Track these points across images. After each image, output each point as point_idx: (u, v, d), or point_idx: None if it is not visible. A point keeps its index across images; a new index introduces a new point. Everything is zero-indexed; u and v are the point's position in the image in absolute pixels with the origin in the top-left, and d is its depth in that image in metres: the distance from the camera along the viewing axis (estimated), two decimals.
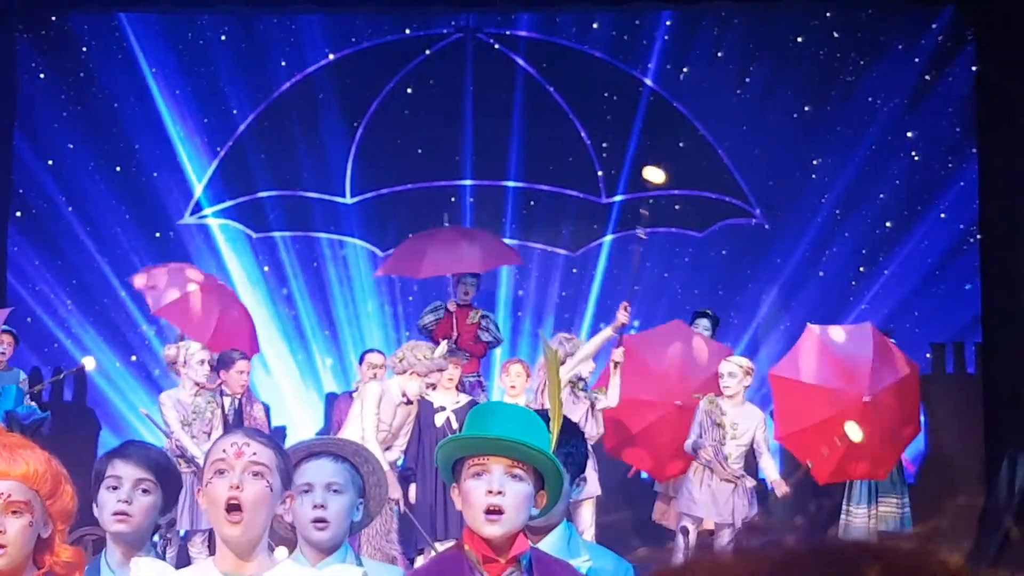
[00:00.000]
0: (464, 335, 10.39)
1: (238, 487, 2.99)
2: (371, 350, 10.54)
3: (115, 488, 3.65)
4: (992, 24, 11.03)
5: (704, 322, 10.12)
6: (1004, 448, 10.30)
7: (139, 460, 3.67)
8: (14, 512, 3.05)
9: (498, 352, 11.30)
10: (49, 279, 12.33)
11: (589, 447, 5.02)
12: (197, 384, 9.21)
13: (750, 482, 9.04)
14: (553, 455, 3.05)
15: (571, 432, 3.51)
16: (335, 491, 3.50)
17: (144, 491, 3.66)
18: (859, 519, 9.44)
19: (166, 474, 3.74)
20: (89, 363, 10.33)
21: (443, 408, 8.89)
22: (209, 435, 9.11)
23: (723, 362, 9.26)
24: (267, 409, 9.69)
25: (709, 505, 8.92)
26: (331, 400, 11.65)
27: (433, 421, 8.83)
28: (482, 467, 3.01)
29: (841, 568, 0.96)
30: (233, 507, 2.99)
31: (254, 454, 3.03)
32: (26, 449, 3.15)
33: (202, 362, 9.22)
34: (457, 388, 9.15)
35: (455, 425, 8.70)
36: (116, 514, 3.63)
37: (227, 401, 9.35)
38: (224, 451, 3.04)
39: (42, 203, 12.33)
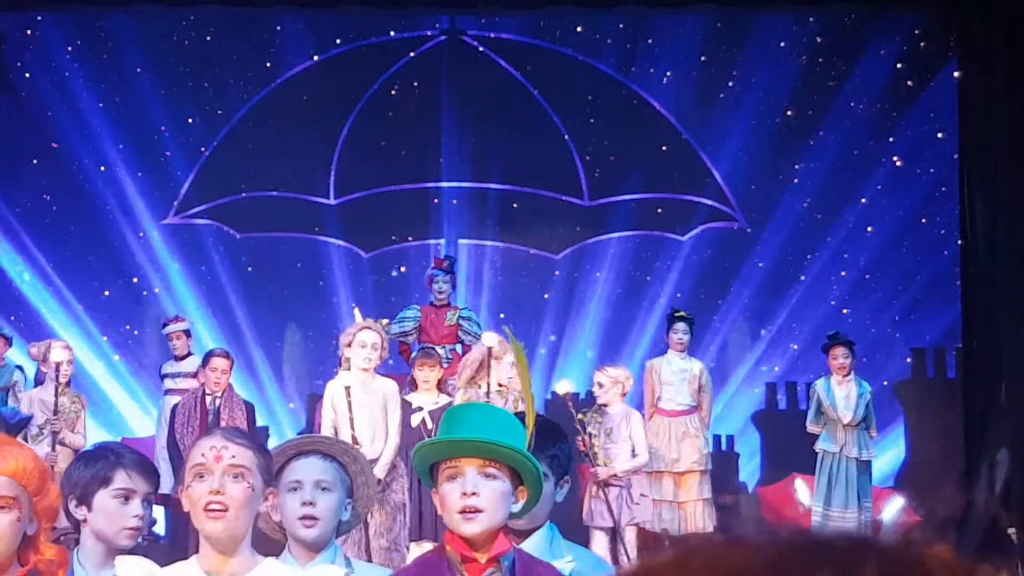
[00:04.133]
0: (443, 339, 10.33)
1: (219, 491, 2.99)
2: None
3: (127, 499, 3.49)
4: (974, 30, 11.08)
5: (682, 325, 10.09)
6: (984, 452, 10.35)
7: (146, 472, 3.55)
8: (1, 508, 3.04)
9: None
10: (32, 278, 12.30)
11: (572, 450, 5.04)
12: (56, 384, 9.05)
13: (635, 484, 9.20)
14: (526, 451, 3.06)
15: (555, 434, 3.52)
16: (324, 489, 3.50)
17: (147, 503, 3.54)
18: (837, 520, 9.49)
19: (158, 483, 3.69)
20: None
21: (420, 408, 8.83)
22: (73, 431, 9.16)
23: (596, 372, 9.46)
24: (251, 408, 9.64)
25: (597, 512, 9.06)
26: (313, 401, 11.63)
27: (409, 421, 8.76)
28: (455, 469, 3.01)
29: (837, 560, 0.96)
30: (214, 510, 3.00)
31: (233, 457, 3.02)
32: (14, 446, 3.16)
33: (58, 364, 9.01)
34: (440, 389, 9.07)
35: (430, 425, 8.63)
36: (130, 529, 3.49)
37: (208, 400, 9.34)
38: (203, 455, 3.04)
39: (26, 201, 12.31)
